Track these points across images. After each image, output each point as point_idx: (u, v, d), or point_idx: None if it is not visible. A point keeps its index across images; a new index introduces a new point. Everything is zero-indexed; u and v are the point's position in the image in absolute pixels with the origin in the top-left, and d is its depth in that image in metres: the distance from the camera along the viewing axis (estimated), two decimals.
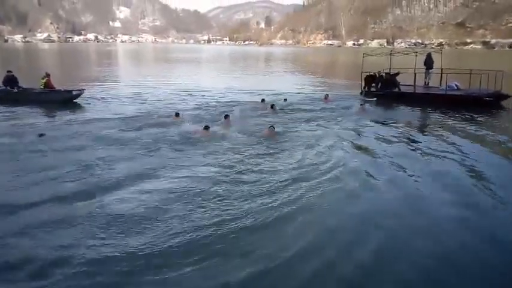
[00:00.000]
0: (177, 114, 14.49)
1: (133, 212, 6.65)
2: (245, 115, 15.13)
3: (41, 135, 11.54)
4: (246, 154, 10.00)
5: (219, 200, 7.16)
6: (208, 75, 38.39)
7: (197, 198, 7.22)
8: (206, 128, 11.99)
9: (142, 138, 11.50)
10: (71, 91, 18.78)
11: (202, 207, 6.88)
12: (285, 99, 18.95)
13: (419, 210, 7.00)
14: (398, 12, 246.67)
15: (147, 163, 9.26)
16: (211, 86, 26.25)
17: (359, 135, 12.53)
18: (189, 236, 5.88)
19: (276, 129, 12.16)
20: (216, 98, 20.60)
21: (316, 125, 13.75)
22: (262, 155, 10.00)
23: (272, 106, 16.51)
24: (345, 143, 11.37)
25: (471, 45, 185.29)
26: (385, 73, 20.32)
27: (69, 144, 10.83)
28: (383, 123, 14.32)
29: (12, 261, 5.27)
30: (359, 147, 11.03)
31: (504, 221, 6.71)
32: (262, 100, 18.18)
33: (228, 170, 8.75)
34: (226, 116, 13.68)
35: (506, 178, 8.68)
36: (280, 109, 16.75)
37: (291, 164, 9.23)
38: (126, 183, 7.95)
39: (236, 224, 6.29)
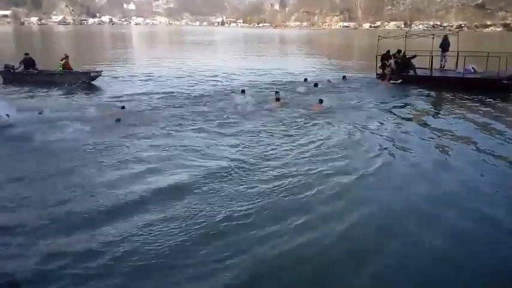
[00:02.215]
0: (242, 91, 16.14)
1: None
2: (294, 92, 16.62)
3: (118, 120, 11.92)
4: (302, 125, 11.51)
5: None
6: (236, 57, 39.10)
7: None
8: (278, 99, 13.85)
9: (214, 112, 13.05)
10: (89, 72, 19.13)
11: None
12: (328, 80, 19.72)
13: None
14: None
15: (229, 132, 10.67)
16: (242, 67, 27.22)
17: (384, 117, 12.87)
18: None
19: (324, 104, 13.47)
20: (256, 78, 21.91)
21: (347, 103, 14.66)
22: (316, 126, 11.36)
23: (316, 85, 17.88)
24: (372, 122, 12.04)
25: (491, 28, 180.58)
26: (402, 55, 20.10)
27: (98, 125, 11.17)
28: (401, 106, 14.51)
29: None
30: (384, 128, 11.59)
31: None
32: (305, 79, 19.49)
33: (292, 139, 10.08)
34: (276, 93, 15.29)
35: None
36: (322, 88, 17.73)
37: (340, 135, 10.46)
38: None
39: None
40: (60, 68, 18.74)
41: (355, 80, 20.52)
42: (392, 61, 19.83)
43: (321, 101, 13.65)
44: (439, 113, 13.93)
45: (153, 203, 6.51)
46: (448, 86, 17.60)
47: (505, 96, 16.12)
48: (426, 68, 19.41)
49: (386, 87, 18.23)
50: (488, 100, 15.34)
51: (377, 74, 20.49)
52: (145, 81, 20.53)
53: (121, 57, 34.93)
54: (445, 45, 20.42)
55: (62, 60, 18.86)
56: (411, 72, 19.52)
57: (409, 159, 8.83)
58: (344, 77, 20.55)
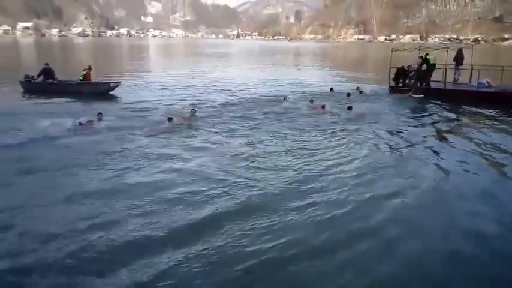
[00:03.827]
0: (284, 98, 17.56)
1: None
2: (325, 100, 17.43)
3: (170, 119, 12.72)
4: (338, 126, 12.80)
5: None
6: (258, 68, 40.44)
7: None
8: (323, 106, 15.27)
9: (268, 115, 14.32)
10: (109, 83, 19.56)
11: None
12: (360, 90, 20.34)
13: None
14: (432, 6, 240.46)
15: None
16: (265, 77, 28.68)
17: (404, 130, 12.94)
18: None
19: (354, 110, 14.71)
20: (284, 88, 23.01)
21: (367, 115, 14.82)
22: (346, 129, 12.44)
23: (348, 94, 18.62)
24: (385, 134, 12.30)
25: (509, 41, 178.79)
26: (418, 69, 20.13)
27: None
28: (416, 118, 14.73)
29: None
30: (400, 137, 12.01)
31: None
32: (331, 89, 20.39)
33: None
34: (312, 101, 16.62)
35: None
36: (352, 97, 18.41)
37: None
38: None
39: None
40: (81, 78, 19.01)
41: (371, 91, 20.76)
42: (417, 65, 19.78)
43: (350, 107, 14.87)
44: (456, 127, 13.73)
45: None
46: (461, 100, 17.52)
47: None
48: (440, 81, 19.43)
49: (399, 100, 18.32)
50: (502, 114, 15.22)
51: (390, 87, 20.57)
52: (169, 90, 21.25)
53: (140, 68, 35.77)
54: (459, 59, 20.39)
55: (84, 71, 19.13)
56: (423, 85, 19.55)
57: (446, 179, 8.46)
58: (357, 88, 20.86)
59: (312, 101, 16.69)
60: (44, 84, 18.86)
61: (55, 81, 19.01)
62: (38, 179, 7.86)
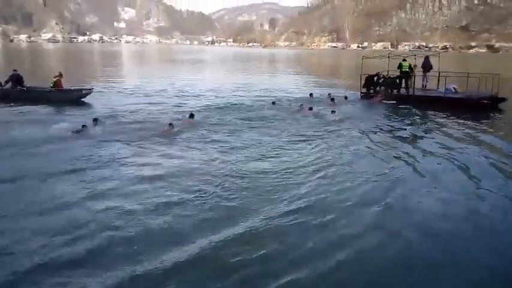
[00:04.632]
0: (273, 103, 18.15)
1: None
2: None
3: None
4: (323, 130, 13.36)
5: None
6: (235, 75, 40.97)
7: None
8: (311, 108, 16.14)
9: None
10: (80, 90, 19.25)
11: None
12: (329, 94, 20.70)
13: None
14: (402, 15, 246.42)
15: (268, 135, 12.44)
16: (241, 84, 29.21)
17: (374, 135, 13.26)
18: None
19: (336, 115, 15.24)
20: (264, 93, 23.44)
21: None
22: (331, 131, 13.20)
23: (332, 99, 19.05)
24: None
25: (475, 49, 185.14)
26: (388, 76, 20.71)
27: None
28: (389, 124, 15.15)
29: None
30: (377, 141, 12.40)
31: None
32: (311, 95, 20.87)
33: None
34: (302, 105, 17.18)
35: (495, 177, 9.12)
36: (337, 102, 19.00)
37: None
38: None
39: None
40: (52, 85, 18.56)
41: (344, 97, 21.05)
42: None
43: (333, 112, 15.45)
44: (429, 131, 14.14)
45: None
46: (429, 105, 18.12)
47: (484, 115, 16.65)
48: (409, 88, 20.02)
49: (371, 106, 18.79)
50: (467, 118, 15.77)
51: (361, 93, 21.05)
52: (143, 97, 21.15)
53: (113, 74, 35.34)
54: (426, 65, 21.12)
55: (55, 78, 18.70)
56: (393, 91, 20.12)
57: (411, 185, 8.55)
58: (329, 94, 21.09)
59: (301, 105, 17.14)
60: (12, 91, 18.35)
61: (24, 88, 18.54)
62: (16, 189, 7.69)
